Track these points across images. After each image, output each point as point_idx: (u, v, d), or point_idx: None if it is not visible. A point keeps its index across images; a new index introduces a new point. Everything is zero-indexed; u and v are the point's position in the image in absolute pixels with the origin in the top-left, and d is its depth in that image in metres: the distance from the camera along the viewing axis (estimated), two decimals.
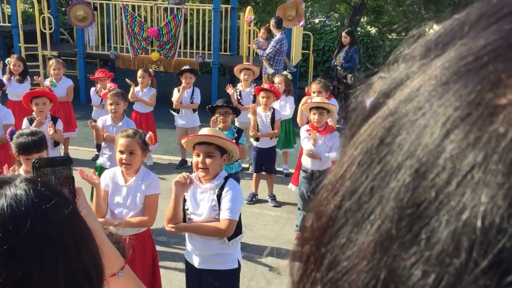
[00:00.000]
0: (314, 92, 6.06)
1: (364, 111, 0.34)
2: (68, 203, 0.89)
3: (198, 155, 3.18)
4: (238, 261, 3.34)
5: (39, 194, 0.85)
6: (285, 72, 7.26)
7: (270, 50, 8.84)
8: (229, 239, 3.20)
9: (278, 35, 8.91)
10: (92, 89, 7.25)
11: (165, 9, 10.25)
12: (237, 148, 3.30)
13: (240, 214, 3.31)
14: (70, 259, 0.85)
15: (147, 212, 3.48)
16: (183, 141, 3.35)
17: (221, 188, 3.18)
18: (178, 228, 3.21)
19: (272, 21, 8.96)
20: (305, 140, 5.11)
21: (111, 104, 5.41)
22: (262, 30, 9.31)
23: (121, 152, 3.43)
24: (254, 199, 6.21)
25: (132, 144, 3.44)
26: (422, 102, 0.28)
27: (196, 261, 3.29)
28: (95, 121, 5.77)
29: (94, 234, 0.95)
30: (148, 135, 3.68)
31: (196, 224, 3.20)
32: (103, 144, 5.38)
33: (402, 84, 0.31)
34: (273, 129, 6.12)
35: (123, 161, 3.41)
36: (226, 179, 3.22)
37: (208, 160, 3.14)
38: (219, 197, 3.16)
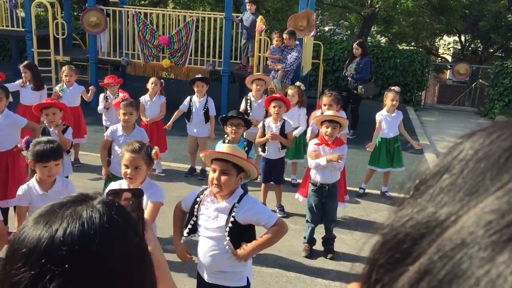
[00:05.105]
0: (325, 105, 6.04)
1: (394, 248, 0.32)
2: (135, 236, 0.89)
3: (214, 171, 3.15)
4: (248, 279, 3.34)
5: (111, 221, 0.85)
6: (298, 83, 7.20)
7: (295, 62, 8.87)
8: None
9: (298, 47, 8.95)
10: (101, 96, 7.28)
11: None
12: (254, 168, 3.25)
13: (254, 228, 3.31)
14: None
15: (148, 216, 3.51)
16: (201, 155, 3.35)
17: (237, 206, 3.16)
18: (243, 256, 3.17)
19: (286, 34, 8.92)
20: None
21: (124, 114, 5.43)
22: (276, 37, 9.11)
23: (126, 166, 3.50)
24: None
25: (137, 160, 3.50)
26: (478, 255, 0.27)
27: (205, 275, 3.32)
28: (106, 128, 5.77)
29: (159, 269, 0.94)
30: (154, 150, 3.69)
31: (257, 243, 3.18)
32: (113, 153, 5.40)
33: (442, 224, 0.30)
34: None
35: (128, 176, 3.50)
36: (241, 196, 3.20)
37: (223, 178, 3.11)
38: (235, 217, 3.14)
